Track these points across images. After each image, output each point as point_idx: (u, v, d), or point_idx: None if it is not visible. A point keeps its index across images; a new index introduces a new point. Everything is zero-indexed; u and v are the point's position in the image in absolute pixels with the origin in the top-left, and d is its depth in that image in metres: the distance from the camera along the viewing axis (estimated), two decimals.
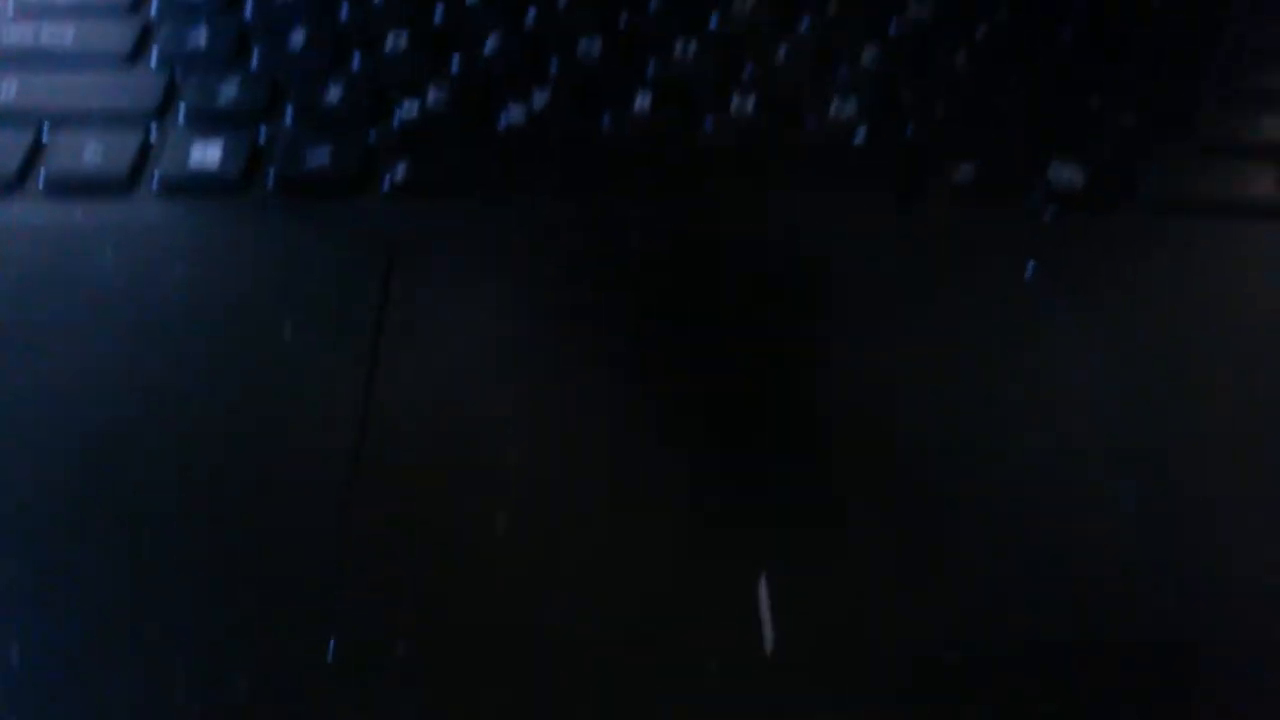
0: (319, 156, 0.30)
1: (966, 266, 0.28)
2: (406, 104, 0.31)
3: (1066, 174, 0.30)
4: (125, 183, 0.30)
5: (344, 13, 0.34)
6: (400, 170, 0.30)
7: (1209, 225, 0.29)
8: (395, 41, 0.33)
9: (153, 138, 0.31)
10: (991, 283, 0.28)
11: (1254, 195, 0.30)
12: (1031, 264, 0.28)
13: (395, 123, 0.31)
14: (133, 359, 0.27)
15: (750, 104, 0.31)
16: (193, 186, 0.30)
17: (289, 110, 0.31)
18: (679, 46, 0.32)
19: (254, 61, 0.33)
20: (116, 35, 0.33)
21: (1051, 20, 0.33)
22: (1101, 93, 0.31)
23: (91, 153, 0.31)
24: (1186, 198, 0.30)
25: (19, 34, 0.33)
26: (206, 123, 0.31)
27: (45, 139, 0.31)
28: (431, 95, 0.32)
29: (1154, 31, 0.33)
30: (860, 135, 0.31)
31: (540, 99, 0.32)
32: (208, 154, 0.30)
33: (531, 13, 0.33)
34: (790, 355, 0.27)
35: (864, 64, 0.32)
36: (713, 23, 0.33)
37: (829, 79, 0.32)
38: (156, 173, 0.30)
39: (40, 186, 0.30)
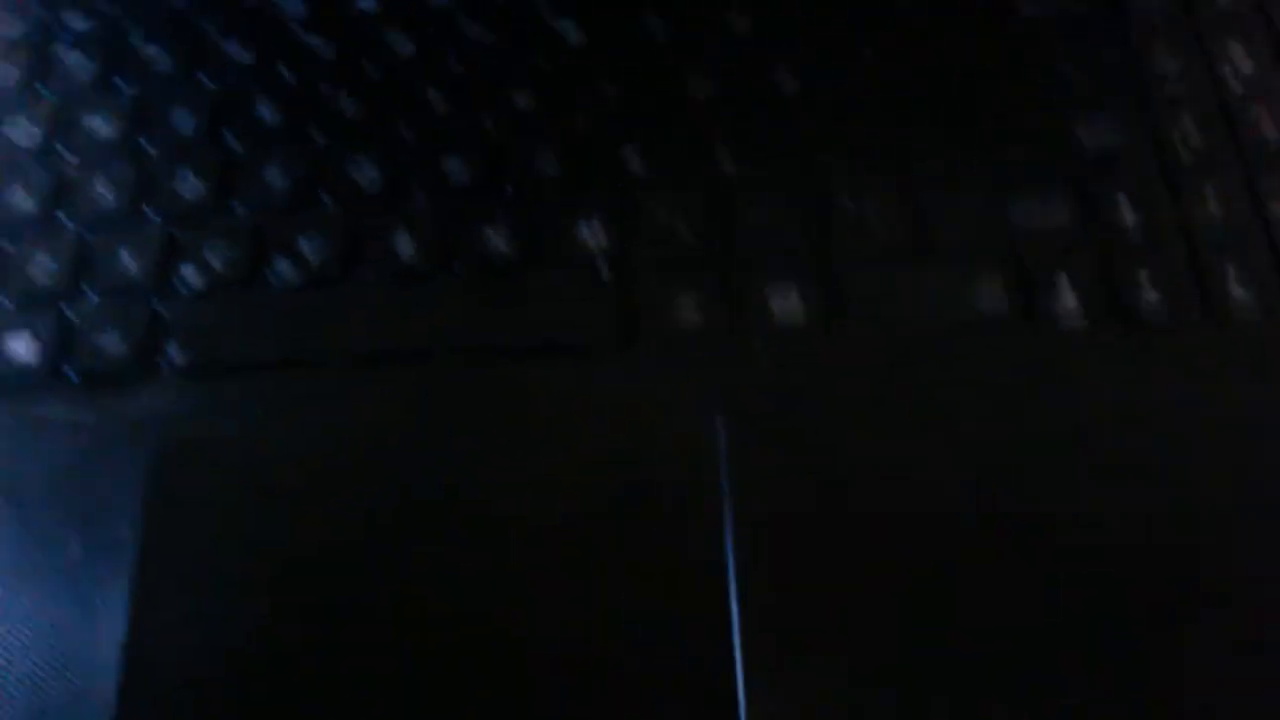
0: (109, 345, 0.32)
1: None
2: (188, 273, 0.33)
3: None
4: None
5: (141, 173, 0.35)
6: (177, 355, 0.32)
7: None
8: (187, 196, 0.34)
9: None
10: None
11: None
12: None
13: (179, 296, 0.32)
14: None
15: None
16: (10, 380, 0.33)
17: (89, 292, 0.33)
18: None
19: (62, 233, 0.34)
20: None
21: None
22: None
23: None
24: None
25: None
26: (20, 309, 0.33)
27: None
28: (210, 258, 0.33)
29: None
30: None
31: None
32: (18, 346, 0.33)
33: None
34: None
35: None
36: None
37: None
38: None
39: None
